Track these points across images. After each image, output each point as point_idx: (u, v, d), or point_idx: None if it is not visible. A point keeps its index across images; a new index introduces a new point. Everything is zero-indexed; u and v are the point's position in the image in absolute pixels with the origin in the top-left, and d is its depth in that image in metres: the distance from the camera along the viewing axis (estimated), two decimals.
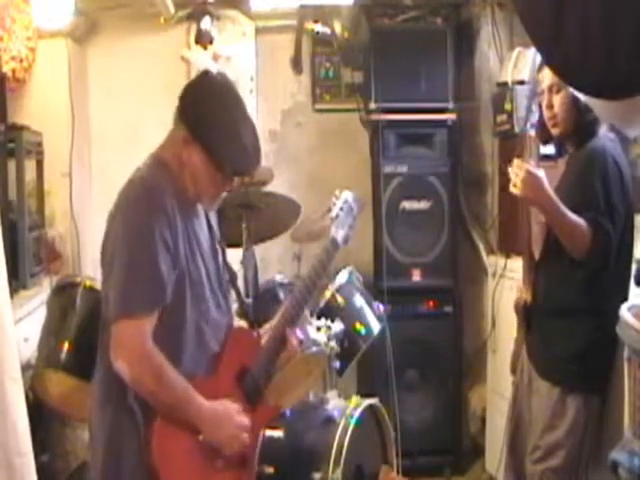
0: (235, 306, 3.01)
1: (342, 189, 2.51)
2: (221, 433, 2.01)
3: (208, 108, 1.97)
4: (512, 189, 2.56)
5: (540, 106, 2.65)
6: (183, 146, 1.97)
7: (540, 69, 2.66)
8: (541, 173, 2.51)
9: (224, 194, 2.12)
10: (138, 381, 1.90)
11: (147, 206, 1.92)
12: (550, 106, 2.60)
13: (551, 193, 2.49)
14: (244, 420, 2.06)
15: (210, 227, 2.15)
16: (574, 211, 2.49)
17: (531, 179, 2.50)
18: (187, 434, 1.97)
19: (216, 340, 2.07)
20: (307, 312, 3.04)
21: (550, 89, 2.59)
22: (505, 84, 3.77)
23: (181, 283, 1.95)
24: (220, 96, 2.00)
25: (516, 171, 2.54)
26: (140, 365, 1.89)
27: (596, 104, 1.86)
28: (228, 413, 2.03)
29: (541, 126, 2.64)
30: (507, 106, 3.68)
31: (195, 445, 1.98)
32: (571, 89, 2.48)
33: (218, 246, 2.17)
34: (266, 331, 2.24)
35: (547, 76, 2.59)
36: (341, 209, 2.43)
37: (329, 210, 2.43)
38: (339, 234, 2.40)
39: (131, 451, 1.95)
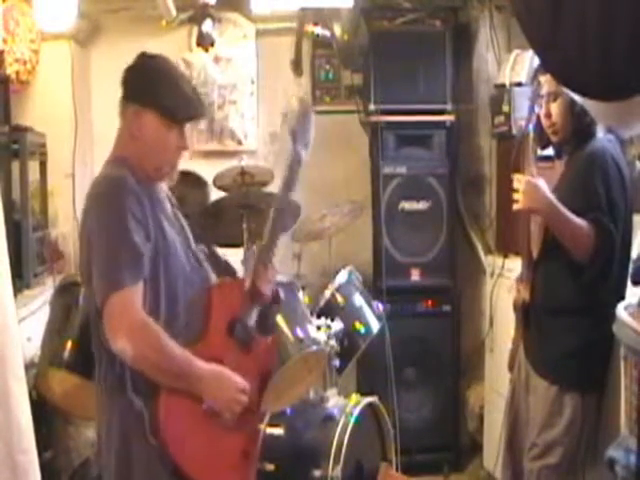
0: None
1: (291, 99, 2.56)
2: (222, 395, 2.05)
3: (148, 74, 2.15)
4: (515, 206, 2.59)
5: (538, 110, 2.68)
6: (135, 120, 2.07)
7: (542, 71, 2.69)
8: (541, 182, 2.54)
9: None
10: (140, 354, 1.93)
11: (114, 190, 2.01)
12: (548, 115, 2.63)
13: (553, 199, 2.51)
14: (242, 381, 2.09)
15: (174, 209, 2.22)
16: (576, 212, 2.51)
17: (531, 188, 2.53)
18: (190, 405, 2.01)
19: (198, 299, 2.12)
20: (307, 311, 3.07)
21: (547, 98, 2.61)
22: (503, 86, 3.79)
23: (154, 253, 2.02)
24: (155, 63, 2.17)
25: (517, 186, 2.58)
26: (139, 336, 1.93)
27: (592, 105, 1.88)
28: (227, 374, 2.07)
29: (539, 131, 2.67)
30: (505, 108, 3.70)
31: (200, 414, 2.02)
32: (567, 93, 2.51)
33: (184, 224, 2.23)
34: (248, 272, 2.30)
35: (544, 84, 2.62)
36: (296, 120, 2.47)
37: (284, 120, 2.48)
38: (300, 147, 2.44)
39: (140, 443, 1.98)
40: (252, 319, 2.19)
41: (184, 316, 2.08)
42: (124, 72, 2.15)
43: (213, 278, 2.25)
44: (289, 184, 2.33)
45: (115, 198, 2.00)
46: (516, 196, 2.59)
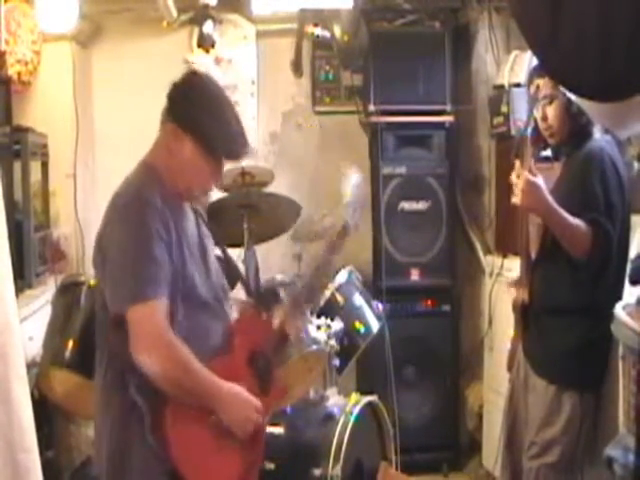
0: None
1: (347, 166, 2.56)
2: (238, 414, 2.05)
3: (197, 99, 2.06)
4: (514, 200, 2.61)
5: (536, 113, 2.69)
6: (174, 140, 2.03)
7: (537, 74, 2.70)
8: (540, 181, 2.54)
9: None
10: (164, 370, 1.91)
11: (138, 204, 1.97)
12: (544, 118, 2.64)
13: (550, 200, 2.52)
14: (258, 402, 2.10)
15: (199, 226, 2.18)
16: (574, 212, 2.52)
17: (530, 188, 2.53)
18: (199, 416, 2.00)
19: (214, 329, 2.10)
20: (307, 311, 3.08)
21: (543, 100, 2.62)
22: (502, 87, 3.81)
23: (174, 274, 1.99)
24: (206, 89, 2.10)
25: (515, 181, 2.59)
26: (164, 354, 1.91)
27: (589, 106, 1.89)
28: (245, 395, 2.07)
29: (537, 133, 2.69)
30: (503, 108, 3.72)
31: (207, 426, 2.01)
32: (563, 95, 2.52)
33: (208, 243, 2.20)
34: (278, 314, 2.28)
35: (541, 87, 2.63)
36: (351, 194, 2.47)
37: (342, 194, 2.47)
38: (351, 219, 2.44)
39: (138, 442, 1.96)
40: (274, 356, 2.20)
41: (200, 343, 2.04)
42: (171, 86, 2.10)
43: (231, 309, 2.24)
44: (333, 249, 2.36)
45: (139, 212, 1.96)
46: (515, 190, 2.61)
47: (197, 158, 2.04)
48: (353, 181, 2.51)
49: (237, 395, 2.05)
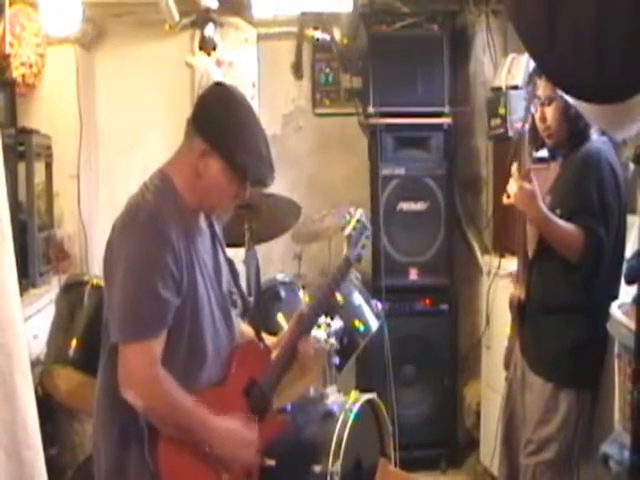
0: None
1: (355, 206, 2.55)
2: (230, 450, 2.02)
3: (226, 118, 1.98)
4: (505, 200, 2.65)
5: (534, 112, 2.73)
6: (200, 158, 1.96)
7: (538, 74, 2.73)
8: (534, 189, 2.57)
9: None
10: (150, 408, 1.89)
11: (152, 235, 1.90)
12: (543, 119, 2.67)
13: (542, 207, 2.56)
14: (252, 436, 2.07)
15: (214, 241, 2.15)
16: (569, 215, 2.56)
17: (523, 194, 2.57)
18: (194, 446, 1.97)
19: (215, 358, 2.06)
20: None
21: (542, 102, 2.65)
22: (499, 89, 3.83)
23: (182, 308, 1.95)
24: (236, 107, 2.01)
25: (510, 184, 2.63)
26: (151, 393, 1.89)
27: (586, 108, 1.91)
28: (238, 432, 2.04)
29: (534, 133, 2.72)
30: (501, 110, 3.75)
31: (202, 456, 1.98)
32: (562, 97, 2.55)
33: (222, 256, 2.17)
34: (276, 345, 2.26)
35: (540, 87, 2.66)
36: (354, 228, 2.46)
37: (343, 228, 2.46)
38: (352, 253, 2.42)
39: (136, 461, 1.94)
40: (270, 389, 2.18)
41: (206, 367, 2.03)
42: (199, 100, 2.05)
43: (239, 327, 2.22)
44: (336, 282, 2.35)
45: (151, 244, 1.90)
46: (510, 191, 2.65)
47: (223, 179, 1.98)
48: (357, 216, 2.50)
49: (230, 432, 2.02)
